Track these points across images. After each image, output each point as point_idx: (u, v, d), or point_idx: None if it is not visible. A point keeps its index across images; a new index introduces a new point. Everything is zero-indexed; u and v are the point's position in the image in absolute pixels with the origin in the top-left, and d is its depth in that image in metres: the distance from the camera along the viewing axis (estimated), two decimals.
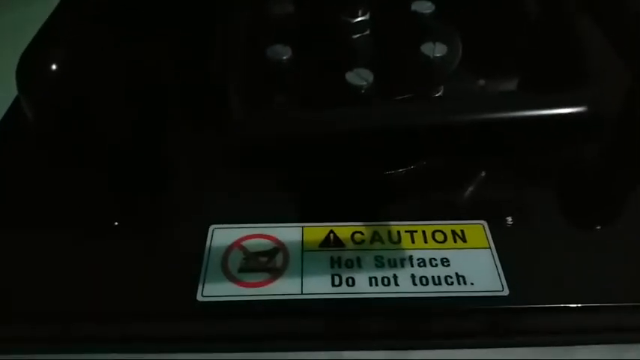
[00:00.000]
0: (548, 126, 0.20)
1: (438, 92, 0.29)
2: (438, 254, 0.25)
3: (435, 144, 0.21)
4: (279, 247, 0.25)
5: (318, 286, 0.24)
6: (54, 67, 0.26)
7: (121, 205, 0.28)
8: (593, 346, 0.24)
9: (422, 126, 0.21)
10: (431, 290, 0.24)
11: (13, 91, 0.27)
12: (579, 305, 0.23)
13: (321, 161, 0.22)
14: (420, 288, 0.24)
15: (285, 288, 0.24)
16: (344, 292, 0.23)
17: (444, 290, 0.24)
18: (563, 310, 0.23)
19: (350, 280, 0.24)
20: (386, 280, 0.24)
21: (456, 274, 0.24)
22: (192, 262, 0.24)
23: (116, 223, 0.27)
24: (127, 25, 0.33)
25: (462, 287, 0.24)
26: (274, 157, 0.21)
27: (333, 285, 0.24)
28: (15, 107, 0.32)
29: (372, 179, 0.28)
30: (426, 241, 0.25)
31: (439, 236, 0.26)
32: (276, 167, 0.24)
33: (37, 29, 0.28)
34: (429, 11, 0.31)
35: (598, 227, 0.27)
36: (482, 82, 0.32)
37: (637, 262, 0.25)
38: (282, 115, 0.22)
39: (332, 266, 0.24)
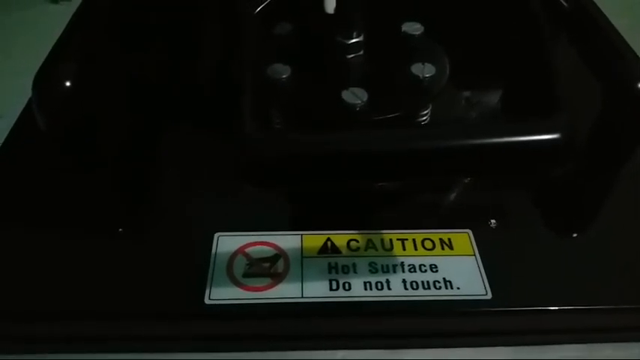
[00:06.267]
0: (522, 152, 0.22)
1: (426, 110, 0.31)
2: (427, 261, 0.27)
3: (420, 166, 0.23)
4: (280, 254, 0.27)
5: (317, 290, 0.25)
6: (68, 83, 0.28)
7: (132, 215, 0.30)
8: (567, 345, 0.26)
9: (406, 151, 0.23)
10: (421, 294, 0.25)
11: None
12: (556, 308, 0.25)
13: (326, 178, 0.24)
14: (410, 292, 0.26)
15: (286, 292, 0.25)
16: (341, 295, 0.25)
17: (433, 294, 0.25)
18: (541, 312, 0.25)
19: (346, 285, 0.26)
20: (379, 284, 0.26)
21: (444, 279, 0.26)
22: (200, 267, 0.26)
23: (128, 232, 0.29)
24: (133, 39, 0.34)
25: (449, 291, 0.26)
26: (281, 176, 0.23)
27: (331, 289, 0.25)
28: (25, 115, 0.34)
29: (366, 190, 0.30)
30: (416, 249, 0.27)
31: (428, 244, 0.27)
32: (281, 185, 0.26)
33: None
34: (418, 32, 0.33)
35: (574, 235, 0.29)
36: (467, 100, 0.34)
37: (610, 267, 0.27)
38: (293, 137, 0.24)
39: (329, 272, 0.26)
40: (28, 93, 0.28)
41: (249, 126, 0.24)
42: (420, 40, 0.33)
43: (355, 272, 0.26)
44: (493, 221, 0.28)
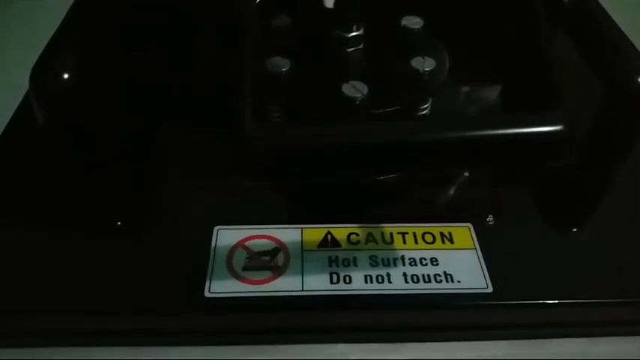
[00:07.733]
0: (521, 144, 0.22)
1: (426, 104, 0.31)
2: (428, 254, 0.27)
3: (422, 159, 0.23)
4: (280, 247, 0.27)
5: (318, 283, 0.25)
6: (66, 75, 0.27)
7: (131, 209, 0.30)
8: (567, 339, 0.26)
9: (410, 142, 0.23)
10: (421, 287, 0.25)
11: None
12: (557, 301, 0.25)
13: (328, 172, 0.23)
14: (411, 285, 0.25)
15: (286, 285, 0.25)
16: (341, 289, 0.25)
17: (434, 287, 0.25)
18: (542, 306, 0.25)
19: (347, 278, 0.26)
20: (380, 278, 0.26)
21: (444, 272, 0.26)
22: (200, 261, 0.26)
23: (127, 226, 0.28)
24: (132, 34, 0.34)
25: (450, 285, 0.26)
26: (282, 170, 0.23)
27: (332, 282, 0.25)
28: (22, 109, 0.33)
29: (366, 184, 0.30)
30: (416, 242, 0.27)
31: (428, 237, 0.27)
32: (283, 179, 0.26)
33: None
34: (417, 26, 0.33)
35: (575, 230, 0.29)
36: (467, 95, 0.34)
37: (610, 261, 0.27)
38: (294, 131, 0.24)
39: (330, 265, 0.26)
40: (25, 87, 0.28)
41: (249, 120, 0.24)
42: (419, 34, 0.33)
43: (356, 265, 0.26)
44: (492, 216, 0.28)
